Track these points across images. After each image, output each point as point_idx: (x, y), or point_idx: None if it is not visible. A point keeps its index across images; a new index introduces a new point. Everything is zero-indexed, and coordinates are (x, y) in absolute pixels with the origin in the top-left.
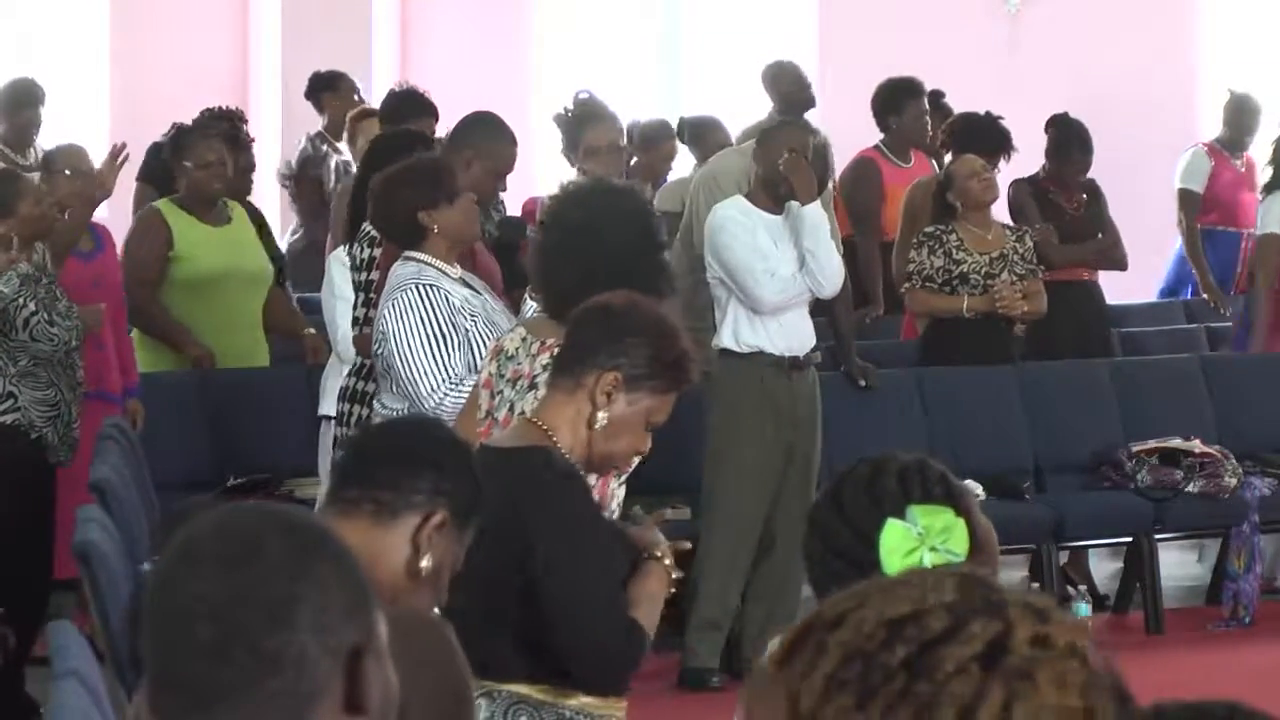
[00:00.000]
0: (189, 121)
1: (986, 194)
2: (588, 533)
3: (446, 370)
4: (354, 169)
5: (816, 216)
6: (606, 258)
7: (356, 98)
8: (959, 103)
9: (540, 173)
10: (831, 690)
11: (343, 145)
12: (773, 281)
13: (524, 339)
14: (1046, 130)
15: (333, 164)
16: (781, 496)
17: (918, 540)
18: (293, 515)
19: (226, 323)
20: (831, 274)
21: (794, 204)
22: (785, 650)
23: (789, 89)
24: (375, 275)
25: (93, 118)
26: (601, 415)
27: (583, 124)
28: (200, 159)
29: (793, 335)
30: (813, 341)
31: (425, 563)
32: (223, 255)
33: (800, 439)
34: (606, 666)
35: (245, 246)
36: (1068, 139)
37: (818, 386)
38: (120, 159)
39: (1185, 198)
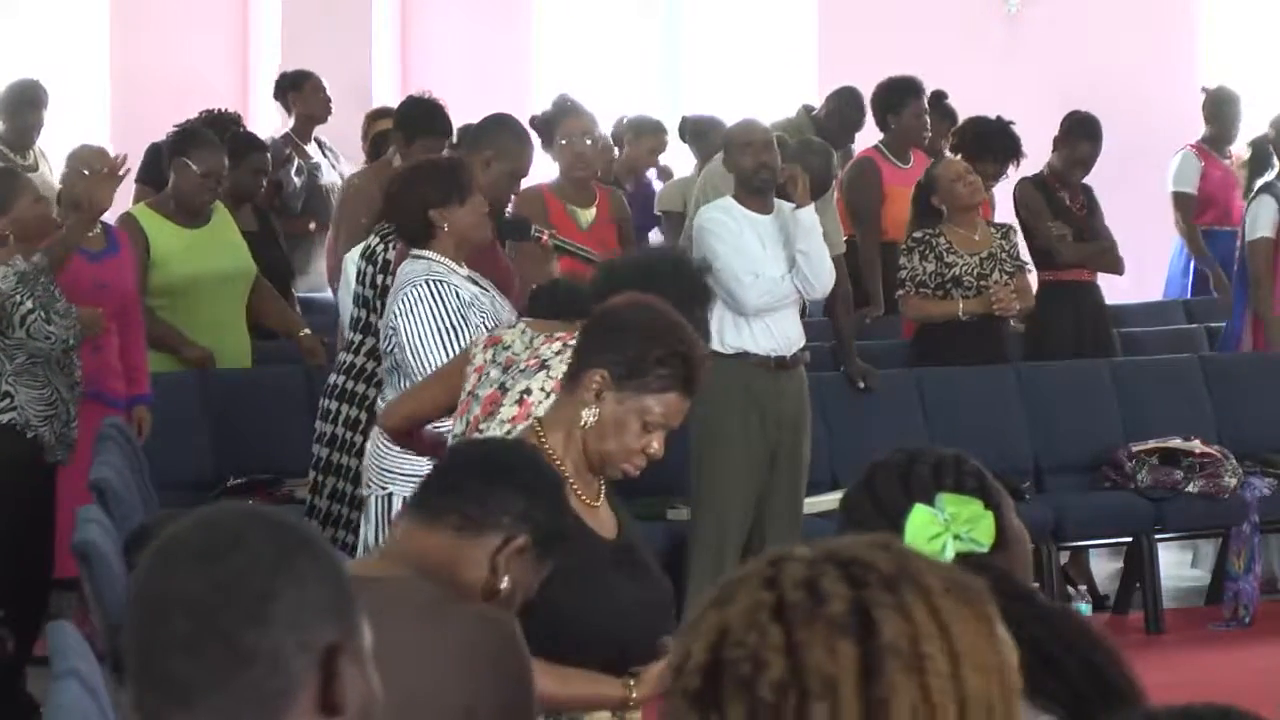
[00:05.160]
0: (188, 122)
1: (973, 196)
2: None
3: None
4: (335, 170)
5: (811, 220)
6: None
7: (322, 96)
8: (958, 103)
9: (541, 173)
10: None
11: (311, 148)
12: (757, 284)
13: (523, 331)
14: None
15: (294, 167)
16: (770, 498)
17: (943, 526)
18: (274, 514)
19: (207, 325)
20: (823, 276)
21: (787, 206)
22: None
23: (855, 115)
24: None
25: (93, 118)
26: (586, 413)
27: (558, 118)
28: (205, 163)
29: (778, 335)
30: (801, 341)
31: (504, 584)
32: (196, 259)
33: (787, 439)
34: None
35: (222, 247)
36: (1074, 129)
37: (806, 386)
38: (121, 172)
39: (1180, 200)
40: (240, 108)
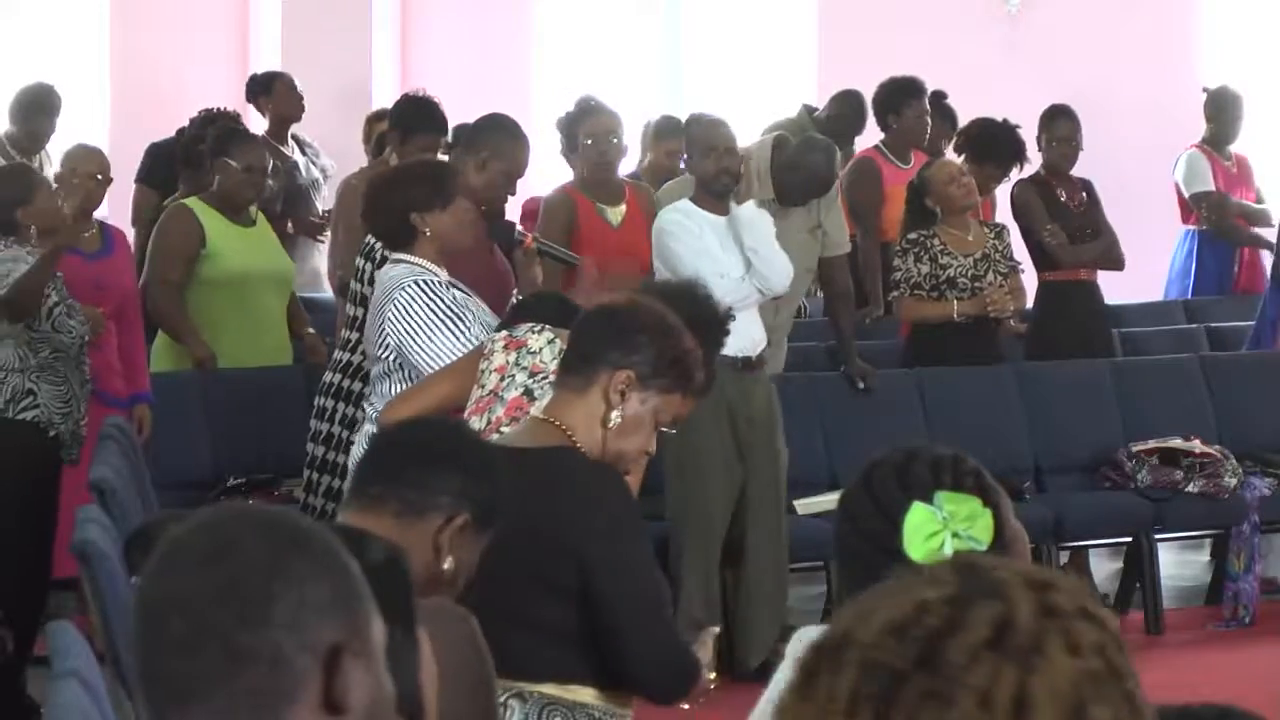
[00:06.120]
0: (187, 121)
1: (967, 198)
2: (638, 532)
3: (469, 344)
4: (315, 167)
5: (750, 215)
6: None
7: (294, 95)
8: (958, 103)
9: (541, 173)
10: (854, 710)
11: (289, 149)
12: (722, 283)
13: (550, 341)
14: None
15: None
16: (751, 497)
17: (941, 524)
18: (274, 515)
19: (255, 322)
20: (778, 272)
21: (735, 206)
22: (803, 679)
23: (857, 116)
24: None
25: (93, 118)
26: (615, 414)
27: (581, 118)
28: (247, 161)
29: (743, 336)
30: (764, 342)
31: (448, 565)
32: (251, 255)
33: (760, 437)
34: (672, 668)
35: (270, 248)
36: (1050, 116)
37: (772, 386)
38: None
39: (1204, 199)
40: (240, 108)
